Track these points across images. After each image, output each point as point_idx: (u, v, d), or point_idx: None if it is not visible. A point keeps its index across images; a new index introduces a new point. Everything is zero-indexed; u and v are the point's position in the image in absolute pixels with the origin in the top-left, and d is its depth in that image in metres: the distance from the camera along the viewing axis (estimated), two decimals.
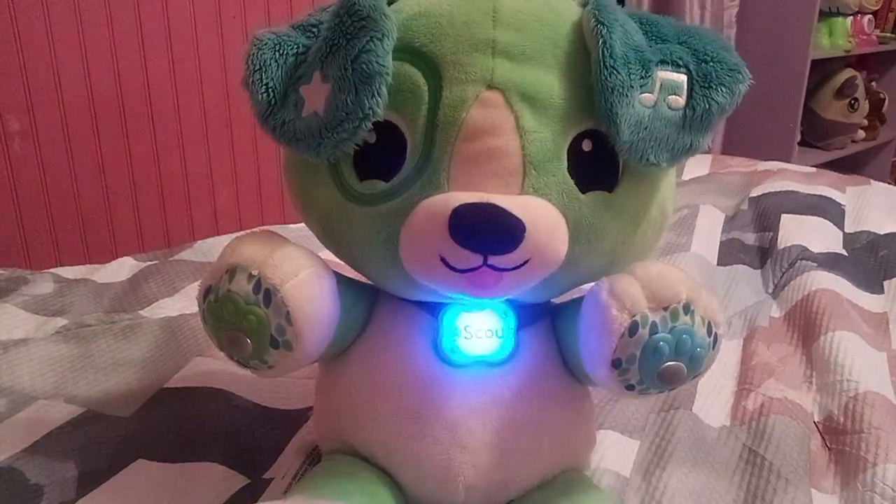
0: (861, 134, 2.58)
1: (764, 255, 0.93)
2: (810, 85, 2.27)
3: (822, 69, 2.39)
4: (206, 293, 0.42)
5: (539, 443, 0.46)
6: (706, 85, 0.41)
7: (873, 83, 2.62)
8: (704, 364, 0.41)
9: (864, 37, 2.45)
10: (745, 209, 1.05)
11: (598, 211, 0.42)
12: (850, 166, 2.56)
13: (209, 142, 1.47)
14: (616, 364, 0.40)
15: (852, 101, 2.43)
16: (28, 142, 1.27)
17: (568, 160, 0.41)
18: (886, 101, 2.62)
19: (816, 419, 0.63)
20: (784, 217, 0.99)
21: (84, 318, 0.74)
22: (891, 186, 1.19)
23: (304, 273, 0.41)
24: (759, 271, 0.90)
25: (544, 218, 0.40)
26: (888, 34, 2.58)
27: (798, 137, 2.33)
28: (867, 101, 2.51)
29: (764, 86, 2.19)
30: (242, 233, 0.44)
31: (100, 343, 0.70)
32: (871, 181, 1.22)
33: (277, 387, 0.63)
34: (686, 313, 0.40)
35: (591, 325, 0.41)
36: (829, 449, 0.60)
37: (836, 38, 2.36)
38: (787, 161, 1.99)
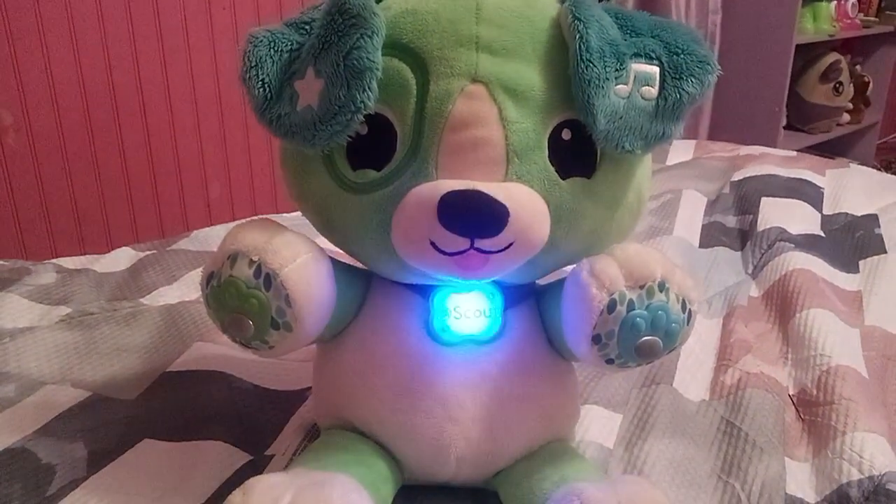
0: (846, 117, 2.61)
1: (744, 237, 0.96)
2: (795, 69, 2.30)
3: (807, 53, 2.41)
4: (208, 279, 0.44)
5: (526, 415, 0.49)
6: (677, 76, 0.43)
7: (857, 67, 2.65)
8: (679, 338, 0.44)
9: (848, 21, 2.48)
10: (727, 193, 1.08)
11: (578, 196, 0.44)
12: (835, 149, 2.60)
13: (201, 134, 1.49)
14: (596, 339, 0.43)
15: (837, 85, 2.46)
16: (21, 135, 1.28)
17: (548, 149, 0.43)
18: (871, 85, 2.65)
19: (791, 392, 0.67)
20: (764, 200, 1.01)
21: (86, 306, 0.76)
22: (869, 169, 1.22)
23: (301, 258, 0.43)
24: (739, 253, 0.93)
25: (527, 203, 0.42)
26: (872, 18, 2.60)
27: (784, 121, 2.36)
28: (851, 85, 2.54)
29: (749, 70, 2.23)
30: (243, 221, 0.46)
31: (103, 330, 0.72)
32: (851, 164, 1.25)
33: (276, 369, 0.66)
34: (661, 291, 0.42)
35: (573, 303, 0.44)
36: (802, 420, 0.63)
37: (821, 22, 2.39)
38: (773, 145, 2.03)
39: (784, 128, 2.38)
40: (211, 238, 0.93)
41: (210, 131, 1.50)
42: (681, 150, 1.32)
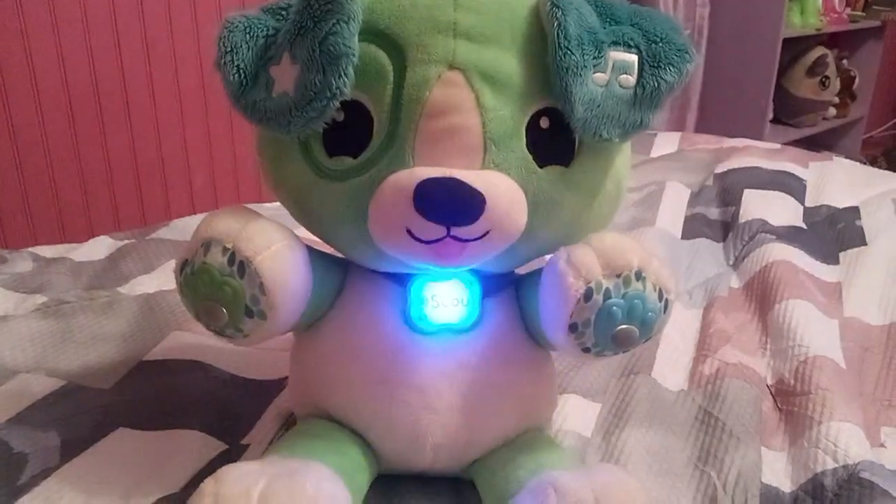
0: (832, 111, 2.62)
1: (726, 228, 0.96)
2: (782, 63, 2.30)
3: (794, 47, 2.42)
4: (182, 266, 0.44)
5: (503, 404, 0.49)
6: (655, 65, 0.43)
7: (844, 61, 2.65)
8: (656, 327, 0.44)
9: (835, 15, 2.49)
10: (710, 185, 1.08)
11: (556, 184, 0.44)
12: (821, 143, 2.61)
13: (185, 124, 1.47)
14: (573, 328, 0.43)
15: (823, 79, 2.46)
16: (2, 125, 1.26)
17: (526, 137, 0.43)
18: (857, 79, 2.66)
19: (769, 382, 0.67)
20: (746, 192, 1.02)
21: (63, 294, 0.75)
22: (852, 162, 1.23)
23: (276, 245, 0.43)
24: (721, 244, 0.93)
25: (504, 191, 0.42)
26: (858, 13, 2.61)
27: (770, 115, 2.36)
28: (838, 79, 2.55)
29: (736, 64, 2.23)
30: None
31: (79, 319, 0.71)
32: (834, 157, 1.26)
33: (253, 358, 0.66)
34: (638, 280, 0.42)
35: (550, 291, 0.44)
36: (779, 410, 0.64)
37: (808, 16, 2.39)
38: (760, 138, 2.03)
39: (770, 121, 2.38)
40: (191, 227, 0.91)
41: (194, 120, 1.48)
42: (666, 143, 1.33)
